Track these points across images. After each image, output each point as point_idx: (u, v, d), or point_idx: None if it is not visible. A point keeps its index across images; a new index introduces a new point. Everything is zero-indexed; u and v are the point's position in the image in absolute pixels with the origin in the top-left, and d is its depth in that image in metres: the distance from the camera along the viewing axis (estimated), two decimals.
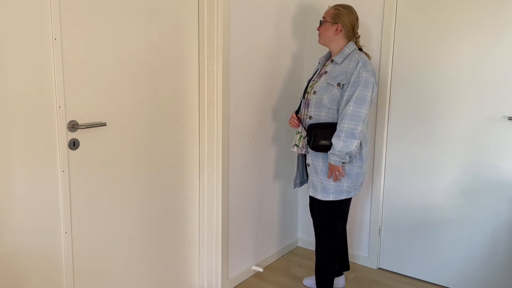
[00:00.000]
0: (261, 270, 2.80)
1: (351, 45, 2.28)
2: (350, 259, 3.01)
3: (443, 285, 2.69)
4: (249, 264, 2.80)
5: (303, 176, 2.54)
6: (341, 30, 2.27)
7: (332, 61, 2.30)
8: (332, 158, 2.19)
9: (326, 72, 2.29)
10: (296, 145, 2.40)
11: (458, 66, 2.49)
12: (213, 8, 2.27)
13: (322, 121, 2.26)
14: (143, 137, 2.12)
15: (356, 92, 2.15)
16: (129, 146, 2.06)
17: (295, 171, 2.54)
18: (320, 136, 2.22)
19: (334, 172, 2.23)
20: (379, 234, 2.87)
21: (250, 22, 2.50)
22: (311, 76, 2.45)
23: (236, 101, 2.48)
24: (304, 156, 2.48)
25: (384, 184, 2.82)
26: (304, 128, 2.34)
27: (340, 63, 2.26)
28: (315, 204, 2.37)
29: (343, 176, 2.25)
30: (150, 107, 2.13)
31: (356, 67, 2.18)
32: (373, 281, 2.75)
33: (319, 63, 2.44)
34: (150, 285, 2.27)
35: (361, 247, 2.96)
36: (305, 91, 2.40)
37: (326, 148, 2.22)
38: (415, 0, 2.58)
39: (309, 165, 2.33)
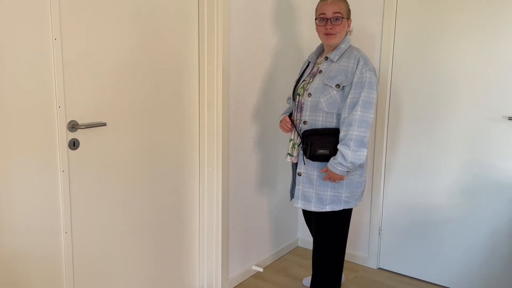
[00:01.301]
0: (261, 270, 2.80)
1: (347, 40, 2.07)
2: (350, 259, 3.01)
3: (443, 285, 2.69)
4: (249, 264, 2.80)
5: None
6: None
7: (327, 58, 2.07)
8: (339, 168, 1.95)
9: (321, 71, 2.05)
10: (289, 154, 2.18)
11: (458, 66, 2.49)
12: (213, 8, 2.27)
13: (319, 126, 2.04)
14: (143, 137, 2.12)
15: (362, 95, 1.93)
16: (129, 146, 2.06)
17: (291, 181, 2.29)
18: (317, 144, 2.00)
19: (334, 180, 2.02)
20: (379, 234, 2.87)
21: (250, 21, 2.50)
22: (298, 76, 2.22)
23: (236, 101, 2.48)
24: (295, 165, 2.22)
25: (384, 184, 2.82)
26: (299, 134, 2.12)
27: (336, 60, 2.03)
28: (312, 218, 2.17)
29: (342, 179, 2.04)
30: (150, 107, 2.13)
31: (357, 66, 1.96)
32: (373, 281, 2.75)
33: (309, 61, 2.21)
34: (150, 285, 2.27)
35: (361, 247, 2.96)
36: (295, 93, 2.16)
37: (325, 158, 2.01)
38: (415, 0, 2.58)
39: (300, 174, 2.11)
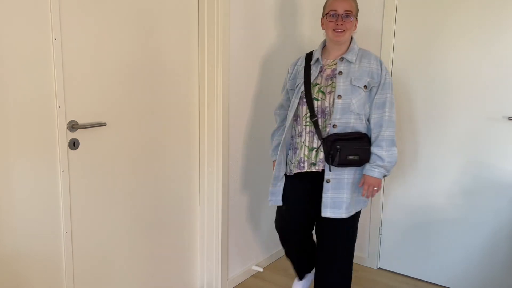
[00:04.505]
0: (261, 270, 2.80)
1: (356, 41, 2.08)
2: None
3: (443, 285, 2.69)
4: (249, 264, 2.80)
5: (312, 204, 2.10)
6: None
7: (343, 59, 2.01)
8: (377, 170, 1.95)
9: (341, 72, 1.99)
10: (313, 163, 2.03)
11: (458, 66, 2.49)
12: (213, 8, 2.27)
13: (350, 129, 1.98)
14: (143, 137, 2.12)
15: (388, 96, 1.98)
16: (129, 146, 2.06)
17: (278, 187, 2.15)
18: (347, 150, 1.92)
19: (372, 188, 1.98)
20: (379, 234, 2.87)
21: (250, 22, 2.50)
22: (302, 80, 2.07)
23: (236, 101, 2.48)
24: (316, 175, 2.05)
25: (384, 184, 2.82)
26: (322, 139, 1.99)
27: (355, 61, 2.01)
28: (327, 229, 2.06)
29: (379, 191, 2.03)
30: (150, 107, 2.13)
31: (381, 68, 2.00)
32: (373, 281, 2.75)
33: (311, 63, 2.08)
34: (150, 285, 2.27)
35: (361, 247, 2.96)
36: (311, 98, 2.02)
37: (354, 163, 1.96)
38: (415, 1, 2.58)
39: (328, 181, 1.99)
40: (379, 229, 2.87)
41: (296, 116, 2.11)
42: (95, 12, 1.83)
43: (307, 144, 2.05)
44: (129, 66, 2.00)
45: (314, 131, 2.02)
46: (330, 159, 1.95)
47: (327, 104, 1.99)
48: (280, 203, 2.16)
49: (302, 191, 2.13)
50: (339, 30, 1.98)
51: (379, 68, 2.00)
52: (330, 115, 1.99)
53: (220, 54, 2.30)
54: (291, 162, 2.12)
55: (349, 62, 2.01)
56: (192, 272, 2.55)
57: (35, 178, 1.70)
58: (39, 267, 1.76)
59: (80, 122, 1.83)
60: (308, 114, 2.03)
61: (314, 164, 2.03)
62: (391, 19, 2.66)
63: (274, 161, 2.23)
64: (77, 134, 1.83)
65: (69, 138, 1.80)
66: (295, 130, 2.12)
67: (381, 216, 2.85)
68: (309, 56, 2.13)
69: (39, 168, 1.71)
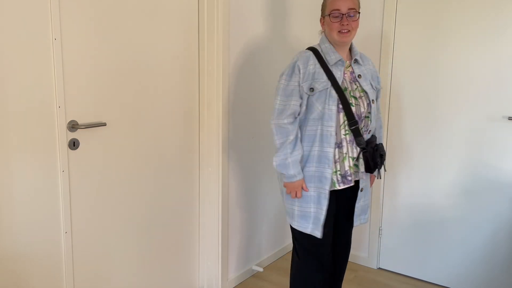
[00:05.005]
0: (261, 270, 2.80)
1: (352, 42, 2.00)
2: (350, 259, 3.01)
3: (443, 285, 2.69)
4: (249, 264, 2.80)
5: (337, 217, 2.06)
6: None
7: (356, 61, 1.94)
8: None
9: (360, 75, 1.91)
10: (356, 172, 1.94)
11: (458, 66, 2.49)
12: (213, 8, 2.27)
13: (372, 133, 1.99)
14: (143, 137, 2.12)
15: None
16: (129, 146, 2.06)
17: (324, 213, 1.89)
18: (385, 156, 1.94)
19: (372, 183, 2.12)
20: (379, 234, 2.87)
21: (250, 21, 2.50)
22: (326, 81, 1.85)
23: (236, 101, 2.48)
24: (347, 189, 1.97)
25: (384, 184, 2.82)
26: (364, 147, 1.89)
27: (362, 63, 1.96)
28: (347, 233, 2.15)
29: None
30: (150, 107, 2.13)
31: (375, 69, 2.04)
32: (373, 281, 2.75)
33: (331, 64, 1.88)
34: (150, 285, 2.27)
35: (361, 247, 2.96)
36: (346, 102, 1.85)
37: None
38: (415, 1, 2.58)
39: (362, 190, 1.95)
40: (379, 229, 2.87)
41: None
42: (95, 12, 1.83)
43: (350, 155, 1.90)
44: (129, 66, 2.00)
45: (353, 139, 1.89)
46: (378, 167, 1.90)
47: (362, 109, 1.88)
48: (320, 235, 1.91)
49: (335, 206, 1.99)
50: (345, 31, 1.84)
51: (376, 71, 2.05)
52: (364, 120, 1.90)
53: (220, 54, 2.30)
54: None
55: (359, 64, 1.94)
56: (192, 272, 2.55)
57: (35, 178, 1.70)
58: (39, 267, 1.76)
59: (80, 122, 1.83)
60: (346, 122, 1.87)
61: (356, 173, 1.95)
62: (391, 19, 2.66)
63: (301, 180, 1.90)
64: (77, 134, 1.83)
65: (69, 138, 1.80)
66: None
67: (381, 216, 2.86)
68: (317, 54, 1.91)
69: (39, 168, 1.71)
